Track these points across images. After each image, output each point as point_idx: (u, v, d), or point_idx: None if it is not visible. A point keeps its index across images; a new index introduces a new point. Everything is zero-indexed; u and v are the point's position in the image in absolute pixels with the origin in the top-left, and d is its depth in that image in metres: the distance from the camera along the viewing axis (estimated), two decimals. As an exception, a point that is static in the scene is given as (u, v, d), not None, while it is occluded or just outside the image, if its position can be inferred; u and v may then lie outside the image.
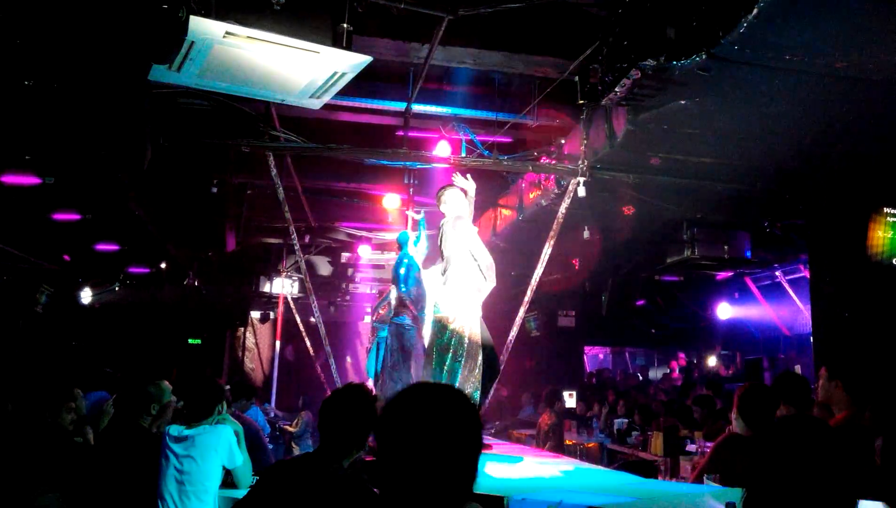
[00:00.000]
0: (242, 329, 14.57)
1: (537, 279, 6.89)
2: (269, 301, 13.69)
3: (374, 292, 12.48)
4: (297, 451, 8.58)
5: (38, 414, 4.01)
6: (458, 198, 5.20)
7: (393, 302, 6.18)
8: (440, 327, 4.83)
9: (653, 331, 14.30)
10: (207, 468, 3.46)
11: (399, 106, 7.19)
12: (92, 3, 3.68)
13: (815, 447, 1.54)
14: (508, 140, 8.11)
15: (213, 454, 3.48)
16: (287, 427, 8.85)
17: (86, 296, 12.17)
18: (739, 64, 4.11)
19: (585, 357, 15.71)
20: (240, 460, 3.58)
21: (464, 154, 7.25)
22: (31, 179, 5.79)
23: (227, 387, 6.57)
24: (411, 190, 8.60)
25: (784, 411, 3.35)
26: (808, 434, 1.57)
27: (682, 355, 13.54)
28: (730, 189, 6.79)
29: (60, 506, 3.70)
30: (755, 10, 3.55)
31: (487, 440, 5.64)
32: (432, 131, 7.80)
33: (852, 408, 3.15)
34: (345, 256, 11.74)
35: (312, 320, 7.42)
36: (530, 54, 6.33)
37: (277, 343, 11.67)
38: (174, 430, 3.57)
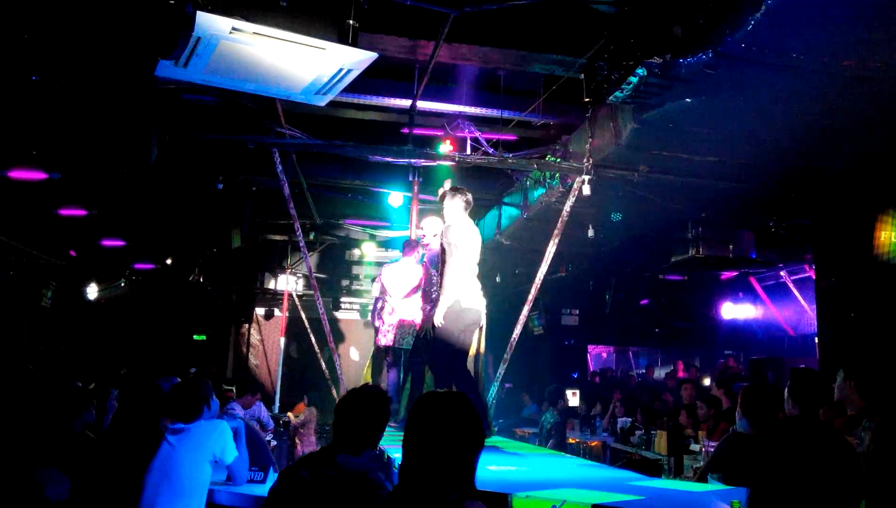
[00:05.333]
0: (247, 326, 14.59)
1: (541, 278, 6.88)
2: (273, 298, 13.71)
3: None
4: (299, 446, 8.61)
5: (53, 419, 4.02)
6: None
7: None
8: None
9: (657, 330, 14.27)
10: (194, 461, 3.44)
11: (404, 103, 7.19)
12: (99, -2, 3.70)
13: (820, 450, 1.55)
14: (513, 138, 8.10)
15: (204, 447, 3.47)
16: (291, 417, 8.90)
17: (91, 292, 12.21)
18: (746, 62, 4.10)
19: (589, 356, 15.69)
20: (233, 456, 3.59)
21: (469, 152, 7.25)
22: (38, 175, 5.82)
23: (233, 388, 6.62)
24: (416, 187, 8.60)
25: (791, 407, 3.30)
26: (812, 437, 1.58)
27: (680, 363, 13.54)
28: (735, 188, 6.78)
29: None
30: (762, 9, 3.54)
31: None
32: (437, 129, 7.80)
33: (864, 409, 3.13)
34: (350, 253, 11.75)
35: (317, 316, 7.43)
36: (536, 52, 6.32)
37: (282, 340, 11.69)
38: (172, 424, 3.59)
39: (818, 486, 1.55)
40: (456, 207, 4.98)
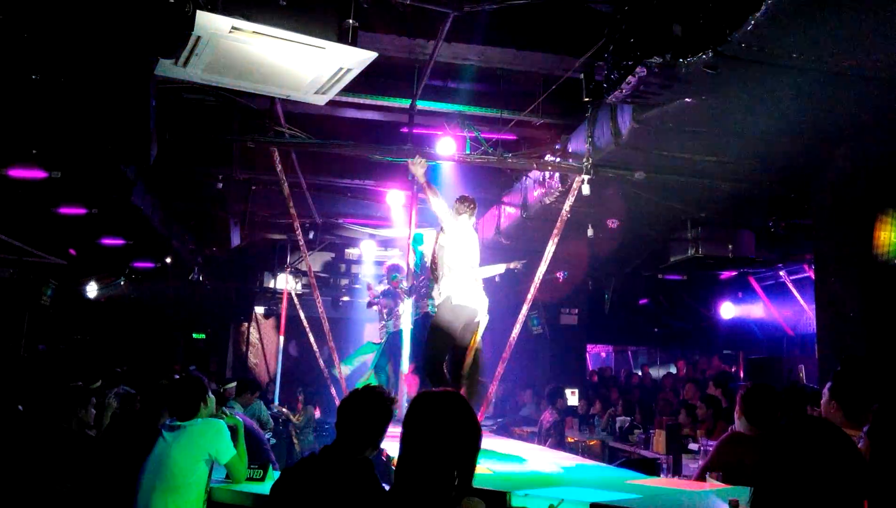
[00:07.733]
0: (247, 325, 14.60)
1: (541, 277, 6.89)
2: (273, 297, 13.72)
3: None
4: (297, 445, 8.61)
5: (51, 418, 4.04)
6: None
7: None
8: None
9: (656, 330, 14.26)
10: (189, 459, 3.43)
11: (404, 103, 7.20)
12: (99, -3, 3.70)
13: (824, 448, 1.55)
14: (513, 137, 8.10)
15: (199, 446, 3.47)
16: (291, 417, 8.90)
17: (91, 290, 12.20)
18: (746, 62, 4.10)
19: (588, 356, 15.68)
20: (229, 455, 3.58)
21: (468, 151, 7.26)
22: (38, 173, 5.81)
23: (233, 384, 6.63)
24: (416, 187, 8.60)
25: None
26: (818, 435, 1.58)
27: (681, 363, 13.55)
28: (735, 188, 6.78)
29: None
30: (763, 8, 3.53)
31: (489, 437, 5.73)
32: (437, 128, 7.80)
33: (849, 429, 3.04)
34: (349, 252, 11.75)
35: (316, 315, 7.43)
36: (535, 51, 6.33)
37: (281, 339, 11.70)
38: (170, 421, 3.59)
39: (821, 486, 1.54)
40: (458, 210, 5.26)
